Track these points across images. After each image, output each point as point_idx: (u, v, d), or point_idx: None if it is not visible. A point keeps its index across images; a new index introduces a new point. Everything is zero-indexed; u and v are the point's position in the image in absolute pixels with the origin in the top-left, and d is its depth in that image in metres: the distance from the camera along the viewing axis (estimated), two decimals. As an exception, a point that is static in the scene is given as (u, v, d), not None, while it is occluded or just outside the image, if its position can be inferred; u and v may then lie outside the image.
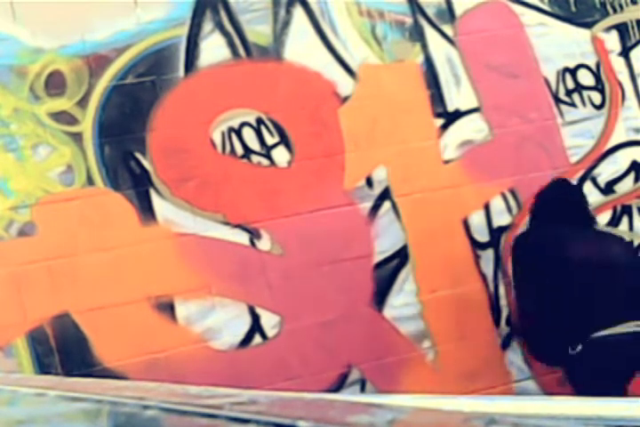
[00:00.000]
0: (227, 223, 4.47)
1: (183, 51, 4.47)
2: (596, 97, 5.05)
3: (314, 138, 4.61)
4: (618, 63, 5.11)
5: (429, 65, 4.81)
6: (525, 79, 4.94)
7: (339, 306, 4.57)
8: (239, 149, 4.53)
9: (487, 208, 4.82)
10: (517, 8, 4.96)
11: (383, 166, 4.70)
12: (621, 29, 5.13)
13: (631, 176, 5.09)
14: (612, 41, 5.11)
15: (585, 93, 5.03)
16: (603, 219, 5.00)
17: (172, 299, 4.38)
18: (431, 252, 4.72)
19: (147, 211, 4.38)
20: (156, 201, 4.40)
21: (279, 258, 4.54)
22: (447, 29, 4.85)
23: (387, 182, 4.70)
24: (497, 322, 4.80)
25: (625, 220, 5.04)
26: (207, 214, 4.45)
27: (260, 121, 4.55)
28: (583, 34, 5.06)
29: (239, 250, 4.50)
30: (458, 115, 4.84)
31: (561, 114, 4.97)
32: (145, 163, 4.39)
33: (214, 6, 4.53)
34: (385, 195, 4.69)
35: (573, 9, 5.06)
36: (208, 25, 4.51)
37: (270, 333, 4.51)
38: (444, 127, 4.81)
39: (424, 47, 4.81)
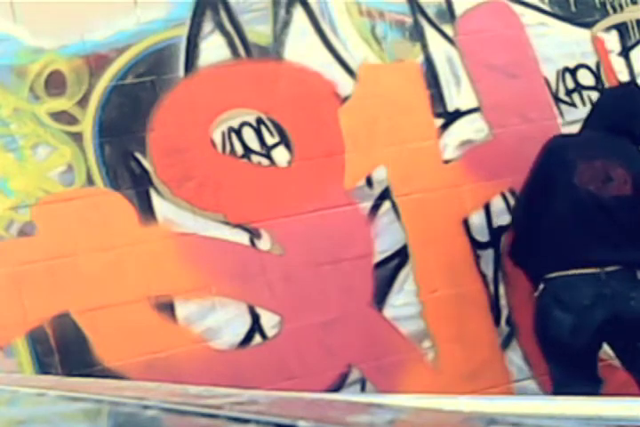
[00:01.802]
0: (227, 223, 4.47)
1: (183, 51, 4.47)
2: (596, 97, 5.04)
3: (314, 138, 4.61)
4: (618, 63, 5.11)
5: (429, 65, 4.81)
6: (525, 79, 4.94)
7: (339, 306, 4.57)
8: (239, 149, 4.53)
9: (487, 208, 4.82)
10: (517, 8, 4.96)
11: (383, 166, 4.70)
12: (621, 29, 5.13)
13: (631, 176, 5.09)
14: (612, 41, 5.11)
15: (585, 93, 5.03)
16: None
17: (171, 299, 4.38)
18: (431, 252, 4.72)
19: (147, 211, 4.38)
20: (156, 201, 4.40)
21: (279, 258, 4.54)
22: (447, 29, 4.85)
23: (387, 182, 4.70)
24: (497, 322, 4.80)
25: (625, 220, 5.03)
26: (207, 214, 4.45)
27: (260, 121, 4.55)
28: (583, 34, 5.06)
29: (239, 250, 4.50)
30: (458, 115, 4.83)
31: (561, 114, 4.97)
32: (145, 163, 4.39)
33: (214, 6, 4.53)
34: (385, 195, 4.69)
35: (573, 9, 5.06)
36: (208, 25, 4.51)
37: (270, 333, 4.51)
38: (444, 127, 4.81)
39: (424, 47, 4.81)
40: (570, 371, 4.29)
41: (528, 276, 4.56)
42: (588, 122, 4.63)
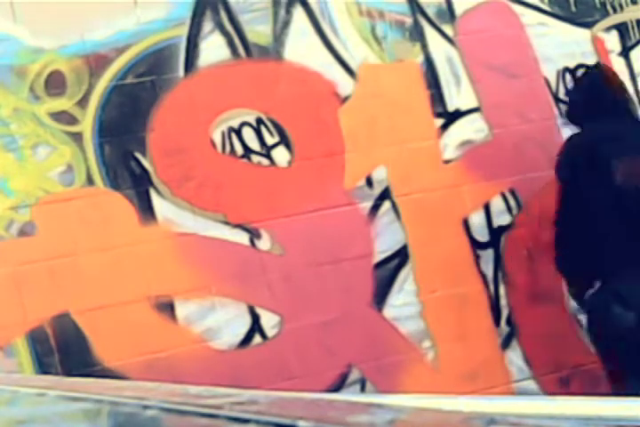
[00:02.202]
0: (227, 223, 4.47)
1: (183, 51, 4.47)
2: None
3: (314, 138, 4.61)
4: (618, 63, 5.11)
5: (429, 65, 4.81)
6: (525, 79, 4.94)
7: (339, 306, 4.57)
8: (239, 149, 4.53)
9: (487, 208, 4.82)
10: (517, 8, 4.96)
11: (383, 166, 4.70)
12: (621, 29, 5.13)
13: (631, 176, 5.08)
14: (612, 41, 5.11)
15: (585, 93, 5.03)
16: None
17: (171, 299, 4.38)
18: (431, 252, 4.72)
19: (147, 211, 4.38)
20: (156, 201, 4.40)
21: (279, 258, 4.54)
22: (447, 29, 4.85)
23: (387, 182, 4.70)
24: (497, 322, 4.80)
25: (625, 220, 5.03)
26: (207, 214, 4.45)
27: (260, 121, 4.55)
28: (583, 34, 5.06)
29: (239, 250, 4.50)
30: (458, 115, 4.83)
31: (561, 114, 4.97)
32: (145, 163, 4.39)
33: (214, 6, 4.53)
34: (385, 195, 4.69)
35: (573, 9, 5.06)
36: (208, 25, 4.52)
37: (270, 333, 4.51)
38: (444, 127, 4.81)
39: (424, 47, 4.81)
40: (623, 367, 4.25)
41: (577, 280, 4.51)
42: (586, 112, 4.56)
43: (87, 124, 4.34)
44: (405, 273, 4.70)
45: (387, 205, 4.69)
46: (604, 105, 4.50)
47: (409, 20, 4.79)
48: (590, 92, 4.62)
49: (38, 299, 4.23)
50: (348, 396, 4.10)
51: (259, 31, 4.58)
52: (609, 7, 5.11)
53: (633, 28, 5.15)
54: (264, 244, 4.52)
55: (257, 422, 1.27)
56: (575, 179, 4.39)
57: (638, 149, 4.40)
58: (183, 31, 4.47)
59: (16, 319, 4.21)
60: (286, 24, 4.62)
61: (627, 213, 4.32)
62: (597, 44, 5.08)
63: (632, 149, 4.38)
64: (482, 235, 4.80)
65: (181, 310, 4.39)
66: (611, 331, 4.33)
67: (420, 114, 4.78)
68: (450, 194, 4.75)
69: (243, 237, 4.49)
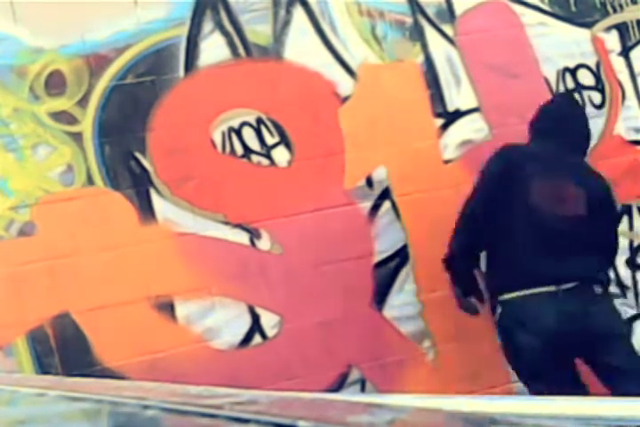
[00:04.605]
0: (227, 223, 4.47)
1: (183, 51, 4.47)
2: (596, 97, 5.05)
3: (314, 138, 4.61)
4: (618, 63, 5.11)
5: (429, 65, 4.81)
6: (525, 79, 4.94)
7: (339, 306, 4.58)
8: (239, 149, 4.53)
9: (487, 208, 4.81)
10: (517, 8, 4.97)
11: (383, 166, 4.70)
12: (621, 29, 5.14)
13: (631, 176, 5.08)
14: (612, 41, 5.11)
15: (585, 93, 5.03)
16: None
17: (171, 299, 4.38)
18: (431, 252, 4.72)
19: (147, 211, 4.39)
20: (156, 201, 4.40)
21: (279, 258, 4.54)
22: (447, 29, 4.85)
23: (387, 182, 4.70)
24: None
25: (625, 219, 5.04)
26: (207, 214, 4.45)
27: (260, 121, 4.55)
28: (583, 34, 5.06)
29: (239, 250, 4.50)
30: (458, 115, 4.84)
31: (561, 114, 4.97)
32: (145, 163, 4.39)
33: (214, 6, 4.53)
34: (385, 195, 4.69)
35: (573, 9, 5.06)
36: (208, 25, 4.52)
37: (270, 333, 4.51)
38: (444, 127, 4.81)
39: (424, 47, 4.81)
40: (551, 389, 4.04)
41: (465, 283, 4.49)
42: (540, 132, 4.49)
43: (87, 124, 4.34)
44: (405, 273, 4.70)
45: (387, 205, 4.69)
46: (560, 131, 4.44)
47: (409, 20, 4.79)
48: (558, 115, 4.54)
49: (38, 299, 4.23)
50: (348, 396, 4.09)
51: (259, 31, 4.58)
52: (609, 7, 5.11)
53: (633, 28, 5.15)
54: (264, 244, 4.52)
55: (257, 422, 1.27)
56: (501, 191, 4.34)
57: (564, 178, 4.36)
58: (183, 31, 4.47)
59: (16, 319, 4.21)
60: (286, 24, 4.62)
61: (538, 233, 4.27)
62: (597, 44, 5.08)
63: (558, 176, 4.35)
64: (482, 235, 4.80)
65: (181, 310, 4.39)
66: (521, 359, 4.30)
67: (420, 114, 4.78)
68: (450, 194, 4.74)
69: (243, 237, 4.50)
